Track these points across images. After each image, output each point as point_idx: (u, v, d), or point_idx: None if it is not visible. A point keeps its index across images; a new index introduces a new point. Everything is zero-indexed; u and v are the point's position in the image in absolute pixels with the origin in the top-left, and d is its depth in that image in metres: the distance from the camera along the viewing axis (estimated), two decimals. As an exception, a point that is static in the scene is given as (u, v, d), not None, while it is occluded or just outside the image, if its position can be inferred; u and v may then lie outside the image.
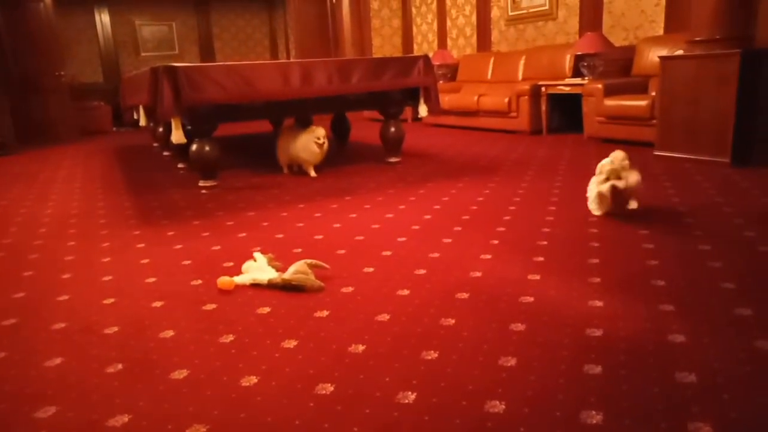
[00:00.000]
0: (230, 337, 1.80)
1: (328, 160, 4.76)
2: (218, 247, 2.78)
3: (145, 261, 2.63)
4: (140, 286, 2.31)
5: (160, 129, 6.15)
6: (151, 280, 2.37)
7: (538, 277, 2.17)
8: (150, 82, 4.01)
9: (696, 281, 2.06)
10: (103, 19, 12.06)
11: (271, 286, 2.17)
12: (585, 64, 5.99)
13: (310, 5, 10.32)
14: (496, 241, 2.64)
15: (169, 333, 1.85)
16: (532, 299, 1.96)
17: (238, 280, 2.23)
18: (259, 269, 2.26)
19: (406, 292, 2.09)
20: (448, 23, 9.26)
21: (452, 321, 1.83)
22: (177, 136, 3.98)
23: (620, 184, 2.80)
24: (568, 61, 6.49)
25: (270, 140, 5.28)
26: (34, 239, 3.14)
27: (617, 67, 5.98)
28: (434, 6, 9.48)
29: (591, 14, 6.58)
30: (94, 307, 2.11)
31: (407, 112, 8.17)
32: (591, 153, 4.99)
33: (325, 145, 4.46)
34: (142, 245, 2.89)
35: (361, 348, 1.68)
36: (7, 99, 8.19)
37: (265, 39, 13.93)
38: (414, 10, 10.07)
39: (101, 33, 12.09)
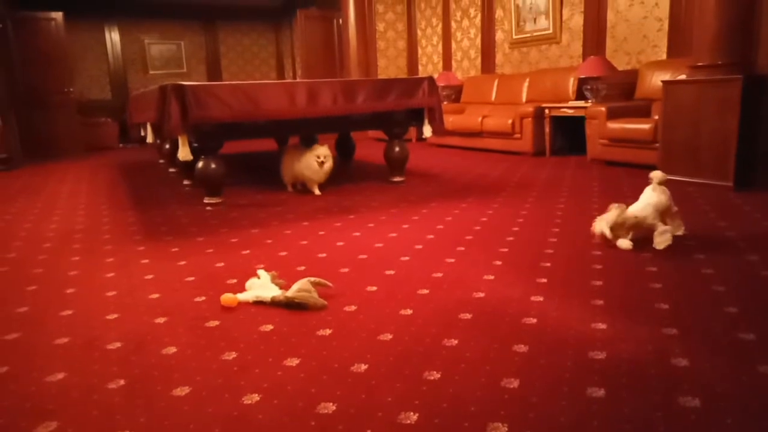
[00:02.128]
0: (232, 355, 1.80)
1: (333, 179, 4.79)
2: (222, 264, 2.79)
3: (149, 276, 2.64)
4: (143, 302, 2.31)
5: (167, 146, 6.20)
6: (155, 295, 2.38)
7: (540, 298, 2.17)
8: (158, 99, 4.06)
9: (699, 305, 2.06)
10: (113, 37, 12.25)
11: (275, 303, 2.18)
12: (588, 87, 6.04)
13: (316, 26, 10.48)
14: (499, 262, 2.64)
15: (172, 349, 1.85)
16: (534, 320, 1.96)
17: (242, 297, 2.23)
18: (262, 286, 2.27)
19: (408, 311, 2.09)
20: (453, 45, 9.38)
21: (455, 341, 1.82)
22: (183, 153, 4.02)
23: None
24: (571, 84, 6.55)
25: (275, 158, 5.31)
26: (39, 254, 3.15)
27: (620, 91, 6.03)
28: (439, 28, 9.61)
29: (594, 38, 6.65)
30: (97, 323, 2.11)
31: (412, 132, 8.23)
32: (594, 175, 5.01)
33: (327, 164, 4.48)
34: (146, 261, 2.90)
35: (363, 367, 1.68)
36: (15, 114, 8.29)
37: (272, 58, 14.10)
38: (419, 32, 10.21)
39: (111, 50, 12.27)
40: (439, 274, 2.50)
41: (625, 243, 2.76)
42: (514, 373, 1.61)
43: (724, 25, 4.09)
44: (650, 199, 2.84)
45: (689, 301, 2.09)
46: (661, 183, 2.89)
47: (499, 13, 8.25)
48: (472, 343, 1.81)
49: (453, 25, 9.28)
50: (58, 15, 9.11)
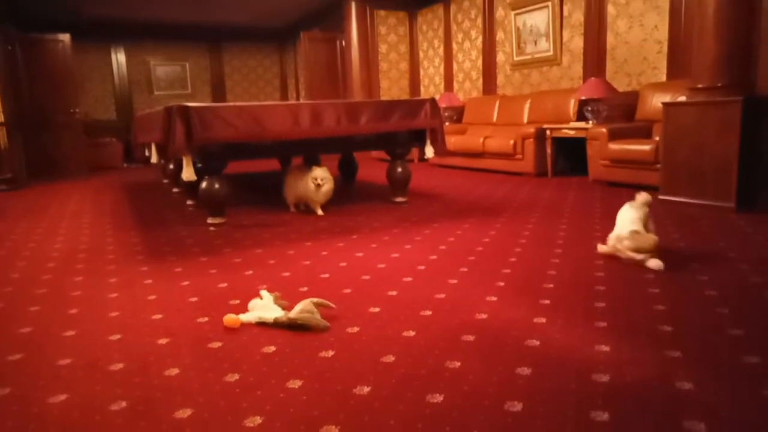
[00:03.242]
0: (235, 376, 1.79)
1: (335, 199, 4.81)
2: (225, 285, 2.79)
3: (152, 297, 2.64)
4: (146, 323, 2.31)
5: (171, 166, 6.24)
6: (158, 316, 2.38)
7: (544, 320, 2.17)
8: (163, 120, 4.11)
9: (703, 327, 2.05)
10: (119, 58, 12.42)
11: (277, 324, 2.18)
12: (589, 108, 6.09)
13: (320, 47, 10.63)
14: (501, 283, 2.65)
15: (174, 371, 1.85)
16: (538, 343, 1.95)
17: (244, 318, 2.23)
18: (265, 307, 2.27)
19: (411, 333, 2.09)
20: (455, 67, 9.49)
21: (458, 364, 1.82)
22: (188, 174, 4.05)
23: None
24: (572, 106, 6.61)
25: (278, 178, 5.35)
26: (43, 274, 3.16)
27: (621, 112, 6.08)
28: (441, 50, 9.73)
29: (594, 60, 6.73)
30: (100, 343, 2.11)
31: (414, 152, 8.28)
32: (596, 196, 5.02)
33: (326, 186, 4.49)
34: (150, 281, 2.91)
35: (366, 389, 1.67)
36: (20, 134, 8.38)
37: (275, 79, 14.26)
38: (421, 54, 10.33)
39: (116, 71, 12.43)
40: (442, 296, 2.50)
41: (654, 262, 2.76)
42: (517, 396, 1.60)
43: (723, 47, 4.14)
44: (634, 214, 2.92)
45: (693, 324, 2.09)
46: (645, 204, 2.99)
47: (500, 35, 8.36)
48: (475, 366, 1.80)
49: (455, 46, 9.40)
50: (65, 37, 9.25)
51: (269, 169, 8.43)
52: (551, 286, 2.58)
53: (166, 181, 7.38)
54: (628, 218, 2.93)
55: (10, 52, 8.75)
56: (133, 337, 2.17)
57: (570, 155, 6.58)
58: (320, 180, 4.44)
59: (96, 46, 12.05)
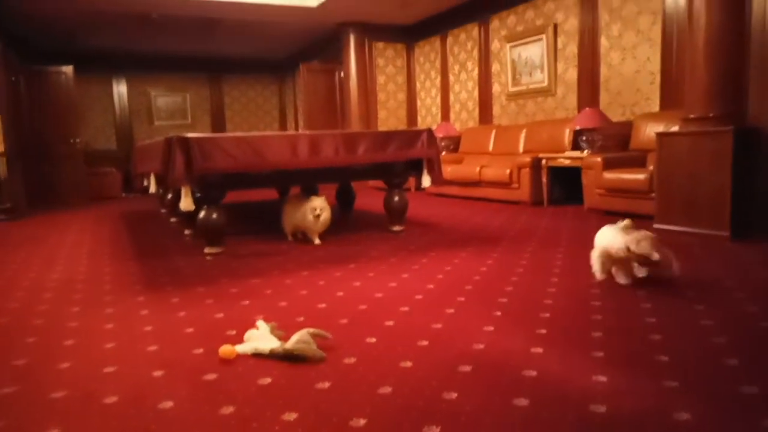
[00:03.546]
0: (230, 409, 1.78)
1: (333, 228, 4.83)
2: (221, 315, 2.79)
3: (148, 328, 2.64)
4: (142, 354, 2.30)
5: (169, 196, 6.28)
6: (153, 348, 2.37)
7: (540, 350, 2.16)
8: (163, 151, 4.15)
9: (700, 357, 2.05)
10: (120, 89, 12.59)
11: (273, 355, 2.17)
12: (584, 138, 6.18)
13: (318, 78, 10.80)
14: (498, 313, 2.65)
15: (169, 404, 1.84)
16: (535, 373, 1.95)
17: (240, 349, 2.23)
18: (261, 338, 2.26)
19: (408, 363, 2.08)
20: (451, 98, 9.64)
21: (455, 395, 1.81)
22: (186, 203, 4.07)
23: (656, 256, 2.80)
24: (567, 135, 6.70)
25: (275, 207, 5.37)
26: (40, 304, 3.15)
27: (615, 142, 6.16)
28: (438, 81, 9.90)
29: (588, 91, 6.85)
30: (95, 376, 2.10)
31: (411, 181, 8.34)
32: (592, 225, 5.04)
33: (324, 215, 4.51)
34: (146, 312, 2.90)
35: (362, 422, 1.66)
36: (21, 164, 8.44)
37: (275, 109, 14.44)
38: (418, 85, 10.50)
39: (117, 102, 12.58)
40: (439, 325, 2.50)
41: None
42: (515, 427, 1.59)
43: (713, 78, 4.23)
44: (616, 236, 2.96)
45: (689, 353, 2.08)
46: (627, 227, 3.05)
47: (495, 66, 8.51)
48: (473, 397, 1.79)
49: (451, 78, 9.57)
50: (68, 69, 9.41)
51: (267, 197, 8.47)
52: (548, 315, 2.58)
53: (164, 210, 7.40)
54: (614, 234, 2.97)
55: (14, 84, 8.88)
56: (129, 368, 2.16)
57: (566, 184, 6.63)
58: (319, 210, 4.46)
59: (98, 77, 12.23)
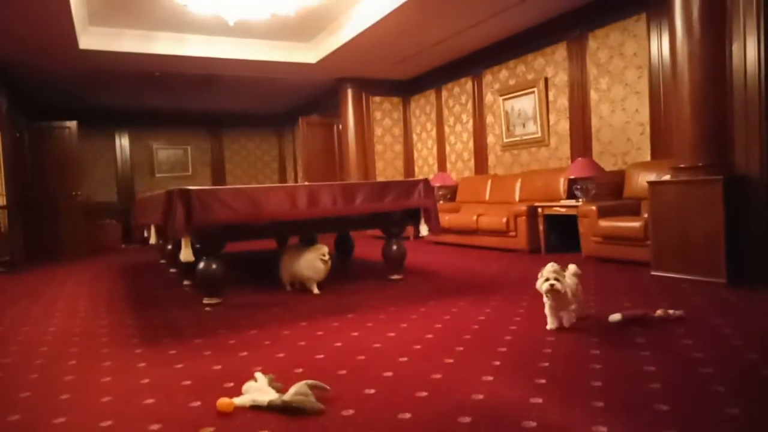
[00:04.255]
0: (227, 463, 1.76)
1: (331, 277, 4.84)
2: (219, 367, 2.77)
3: (145, 381, 2.62)
4: (138, 408, 2.28)
5: (169, 247, 6.31)
6: (150, 401, 2.35)
7: (540, 400, 2.15)
8: (164, 203, 4.22)
9: (700, 406, 2.04)
10: (122, 142, 12.83)
11: (271, 408, 2.15)
12: (578, 187, 6.28)
13: (317, 131, 11.05)
14: (497, 362, 2.64)
15: (165, 458, 1.81)
16: (534, 424, 1.93)
17: (238, 401, 2.21)
18: (259, 390, 2.25)
19: (407, 415, 2.07)
20: (447, 148, 9.83)
21: (454, 447, 1.79)
22: (186, 255, 4.10)
23: (558, 285, 3.05)
24: (562, 184, 6.81)
25: (273, 257, 5.40)
26: (35, 358, 3.13)
27: (609, 190, 6.26)
28: (434, 133, 10.13)
29: (581, 142, 7.02)
30: (91, 431, 2.07)
31: (409, 229, 8.40)
32: (589, 272, 5.06)
33: (329, 262, 4.57)
34: (143, 364, 2.88)
35: (360, 475, 1.64)
36: (21, 217, 8.50)
37: (274, 162, 14.67)
38: (415, 137, 10.74)
39: (120, 155, 12.79)
40: (438, 375, 2.49)
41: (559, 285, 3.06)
42: (514, 480, 1.57)
43: (700, 130, 4.36)
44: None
45: (690, 402, 2.07)
46: (574, 274, 3.31)
47: (489, 118, 8.74)
48: (472, 449, 1.77)
49: (447, 129, 9.79)
50: (72, 124, 9.62)
51: (265, 247, 8.49)
52: (547, 364, 2.57)
53: (163, 261, 7.41)
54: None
55: (18, 139, 9.07)
56: (125, 423, 2.13)
57: (562, 232, 6.68)
58: (327, 255, 4.51)
59: (101, 132, 12.48)
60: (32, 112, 10.72)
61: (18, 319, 4.28)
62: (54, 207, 9.33)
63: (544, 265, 3.20)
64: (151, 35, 7.86)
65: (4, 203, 7.60)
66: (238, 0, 5.83)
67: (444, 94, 9.78)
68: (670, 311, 3.25)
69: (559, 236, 6.71)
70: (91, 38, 7.50)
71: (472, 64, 8.85)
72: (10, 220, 7.77)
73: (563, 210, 6.33)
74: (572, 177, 6.39)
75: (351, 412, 2.13)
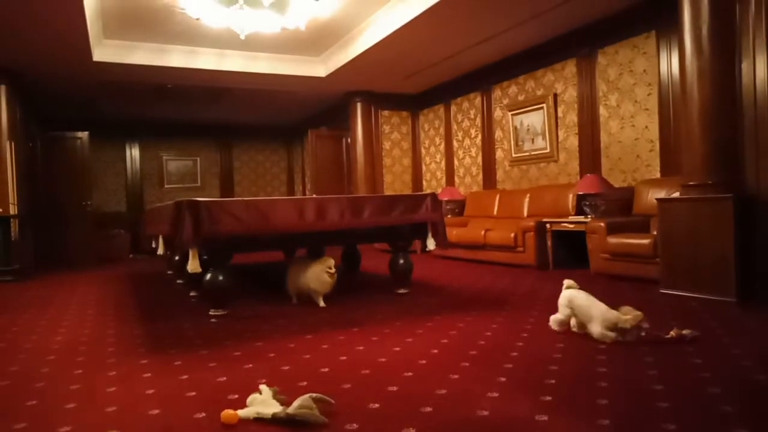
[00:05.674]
0: (230, 476, 1.75)
1: (338, 291, 4.84)
2: (224, 378, 2.77)
3: (151, 391, 2.62)
4: (143, 418, 2.28)
5: (176, 258, 6.34)
6: (155, 411, 2.35)
7: (545, 417, 2.13)
8: (173, 214, 4.25)
9: (708, 426, 2.01)
10: (133, 153, 12.96)
11: (275, 420, 2.15)
12: (587, 203, 6.26)
13: (326, 144, 11.11)
14: (503, 378, 2.62)
15: (169, 469, 1.81)
16: (540, 441, 1.92)
17: (242, 413, 2.21)
18: (263, 402, 2.25)
19: (411, 430, 2.05)
20: (455, 163, 9.85)
21: (458, 463, 1.78)
22: (193, 266, 4.12)
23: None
24: (570, 200, 6.79)
25: (280, 269, 5.41)
26: (42, 367, 3.14)
27: (618, 207, 6.23)
28: (442, 147, 10.15)
29: (590, 158, 7.00)
30: (95, 440, 2.08)
31: (416, 243, 8.39)
32: (597, 289, 5.01)
33: (335, 275, 4.57)
34: (149, 375, 2.89)
35: (363, 491, 1.63)
36: (31, 226, 8.58)
37: (283, 174, 14.74)
38: (423, 151, 10.77)
39: (130, 166, 12.91)
40: (443, 391, 2.47)
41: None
42: (519, 498, 1.55)
43: (709, 148, 4.35)
44: (586, 299, 3.33)
45: (698, 422, 2.05)
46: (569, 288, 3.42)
47: (498, 133, 8.76)
48: (476, 466, 1.76)
49: (455, 144, 9.82)
50: (84, 134, 9.73)
51: (272, 258, 8.51)
52: (553, 381, 2.55)
53: (170, 272, 7.44)
54: (590, 301, 3.31)
55: (31, 149, 9.18)
56: (129, 433, 2.13)
57: (570, 248, 6.65)
58: (333, 268, 4.52)
59: (112, 142, 12.62)
60: (45, 122, 10.87)
61: (27, 327, 4.31)
62: (64, 216, 9.42)
63: (554, 280, 3.20)
64: (164, 48, 7.98)
65: (16, 212, 7.68)
66: (250, 14, 5.91)
67: (453, 108, 9.82)
68: (684, 332, 3.15)
69: (568, 252, 6.68)
70: (105, 50, 7.62)
71: (482, 79, 8.89)
72: (21, 229, 7.85)
73: (572, 226, 6.31)
74: (581, 193, 6.38)
75: (355, 426, 2.11)
